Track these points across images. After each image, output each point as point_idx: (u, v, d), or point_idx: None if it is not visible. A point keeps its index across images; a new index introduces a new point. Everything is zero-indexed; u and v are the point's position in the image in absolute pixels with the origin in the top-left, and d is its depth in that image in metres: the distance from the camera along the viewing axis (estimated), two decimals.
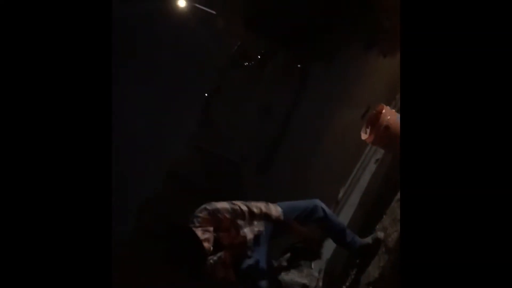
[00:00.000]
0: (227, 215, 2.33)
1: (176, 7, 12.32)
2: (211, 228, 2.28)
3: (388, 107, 2.99)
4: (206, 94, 13.62)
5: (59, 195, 1.26)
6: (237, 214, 2.36)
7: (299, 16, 7.01)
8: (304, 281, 3.27)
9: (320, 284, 3.21)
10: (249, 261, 2.40)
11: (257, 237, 2.43)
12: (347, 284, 2.75)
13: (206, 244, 2.22)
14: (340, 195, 3.74)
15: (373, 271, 2.51)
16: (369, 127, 2.99)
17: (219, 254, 2.28)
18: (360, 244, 2.60)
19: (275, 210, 2.44)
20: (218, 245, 2.29)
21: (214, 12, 10.63)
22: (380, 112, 2.93)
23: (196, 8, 11.87)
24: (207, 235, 2.25)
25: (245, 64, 10.99)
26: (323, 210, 2.59)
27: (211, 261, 2.26)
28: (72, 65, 1.34)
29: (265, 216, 2.41)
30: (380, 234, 2.57)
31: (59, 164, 1.28)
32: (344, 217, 3.41)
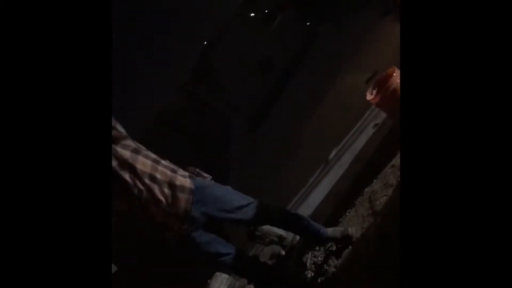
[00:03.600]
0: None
1: None
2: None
3: (399, 70, 2.88)
4: (205, 42, 13.27)
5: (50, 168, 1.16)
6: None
7: None
8: (282, 233, 3.27)
9: (297, 238, 3.21)
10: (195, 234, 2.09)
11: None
12: None
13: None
14: (332, 155, 3.68)
15: (355, 231, 2.48)
16: (376, 88, 2.89)
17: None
18: (327, 237, 2.40)
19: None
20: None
21: None
22: (391, 75, 2.83)
23: None
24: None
25: (252, 15, 10.66)
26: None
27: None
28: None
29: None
30: (351, 231, 2.41)
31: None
32: (332, 177, 3.37)
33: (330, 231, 2.41)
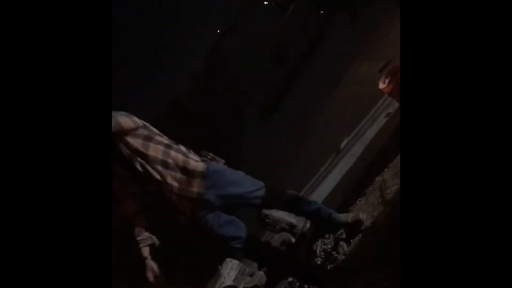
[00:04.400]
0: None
1: None
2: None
3: None
4: (218, 31, 13.24)
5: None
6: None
7: None
8: (292, 220, 3.30)
9: (308, 225, 3.23)
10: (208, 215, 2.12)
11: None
12: None
13: None
14: (343, 144, 3.69)
15: (365, 220, 2.49)
16: (389, 77, 2.89)
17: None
18: (338, 222, 2.40)
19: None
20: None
21: None
22: None
23: None
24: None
25: (265, 3, 10.58)
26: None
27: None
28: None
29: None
30: (362, 215, 2.42)
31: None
32: (344, 166, 3.38)
33: (341, 216, 2.42)
